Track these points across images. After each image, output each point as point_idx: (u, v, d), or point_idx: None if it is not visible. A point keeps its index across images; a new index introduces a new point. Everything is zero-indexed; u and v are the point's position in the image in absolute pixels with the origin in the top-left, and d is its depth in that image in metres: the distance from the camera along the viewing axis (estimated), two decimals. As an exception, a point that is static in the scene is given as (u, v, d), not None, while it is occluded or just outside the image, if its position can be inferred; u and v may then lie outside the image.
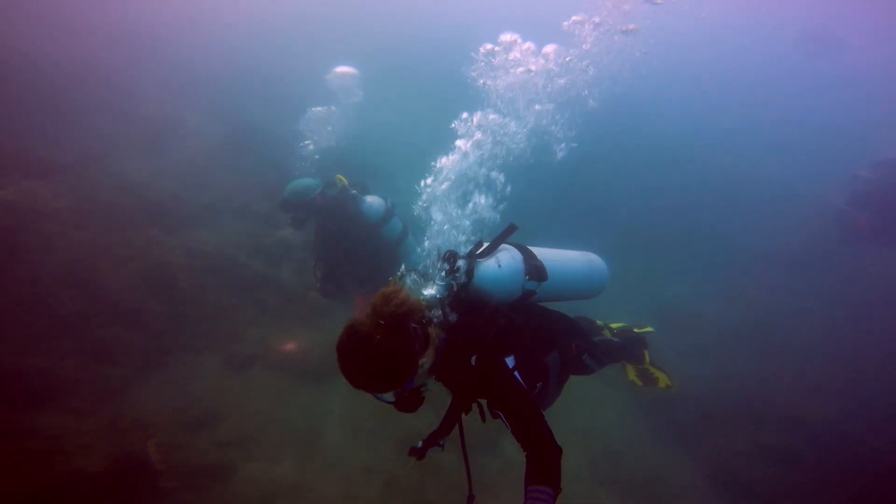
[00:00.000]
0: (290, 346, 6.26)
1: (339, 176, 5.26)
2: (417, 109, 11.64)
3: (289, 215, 5.24)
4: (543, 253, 2.74)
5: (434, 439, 2.30)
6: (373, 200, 5.15)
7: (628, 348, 3.69)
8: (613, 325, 3.97)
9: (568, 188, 10.79)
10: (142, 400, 5.10)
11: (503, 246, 2.56)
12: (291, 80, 12.73)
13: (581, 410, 6.91)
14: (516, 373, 2.13)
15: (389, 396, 1.97)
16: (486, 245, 2.52)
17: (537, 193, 10.56)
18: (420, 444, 2.28)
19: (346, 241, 4.96)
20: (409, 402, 2.05)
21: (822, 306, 8.98)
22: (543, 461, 1.89)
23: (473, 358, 2.08)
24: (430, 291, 2.23)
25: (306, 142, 9.15)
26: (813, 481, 6.12)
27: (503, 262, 2.43)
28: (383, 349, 1.83)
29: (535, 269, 2.56)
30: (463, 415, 2.30)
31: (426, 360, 1.98)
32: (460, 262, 2.31)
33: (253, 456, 5.08)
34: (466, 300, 2.29)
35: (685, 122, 13.86)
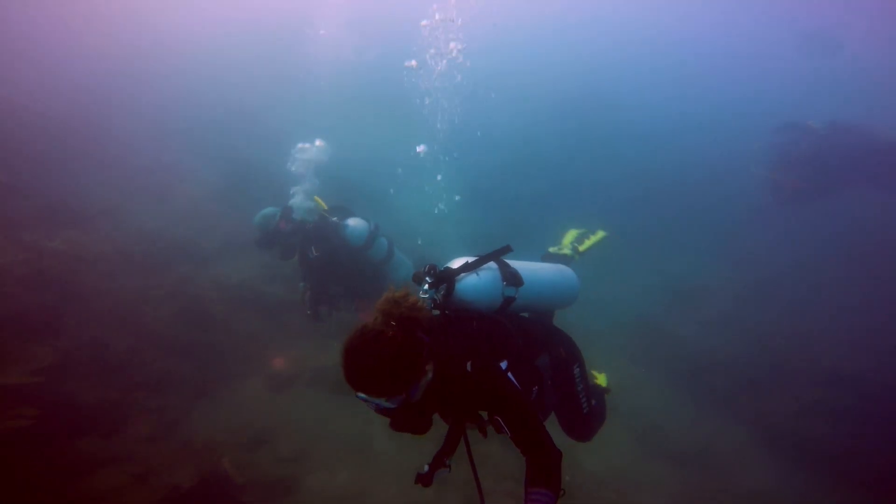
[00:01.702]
0: (279, 361, 6.47)
1: (315, 198, 5.20)
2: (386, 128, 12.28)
3: (269, 248, 5.20)
4: (515, 264, 2.77)
5: (440, 460, 2.13)
6: (356, 223, 4.98)
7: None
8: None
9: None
10: (202, 425, 5.40)
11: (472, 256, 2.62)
12: (272, 115, 13.30)
13: (617, 389, 7.47)
14: (511, 376, 2.18)
15: (391, 403, 1.86)
16: (469, 260, 2.53)
17: (529, 188, 11.43)
18: (426, 468, 2.11)
19: (332, 266, 4.90)
20: (414, 417, 1.95)
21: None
22: (543, 464, 1.90)
23: (469, 364, 2.05)
24: None
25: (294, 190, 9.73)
26: (860, 436, 6.71)
27: (480, 272, 2.47)
28: (394, 347, 1.80)
29: (510, 275, 2.59)
30: (468, 430, 2.22)
31: (430, 369, 1.94)
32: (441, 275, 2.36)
33: (311, 468, 5.40)
34: (450, 312, 2.32)
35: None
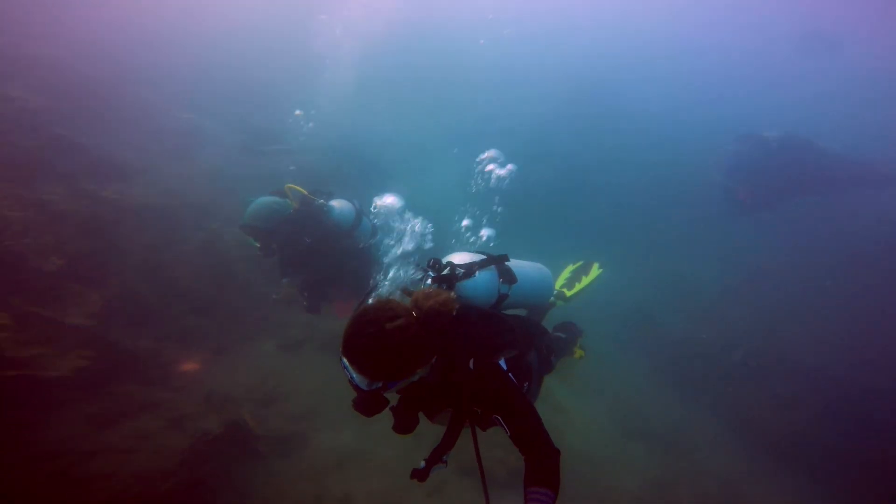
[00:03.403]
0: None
1: (291, 186, 4.73)
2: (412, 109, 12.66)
3: (263, 244, 4.69)
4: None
5: (436, 456, 2.17)
6: (341, 205, 4.78)
7: (570, 342, 3.78)
8: (567, 292, 4.17)
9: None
10: (222, 380, 5.86)
11: (471, 253, 2.67)
12: (284, 82, 13.58)
13: (604, 373, 8.08)
14: (510, 374, 2.20)
15: (363, 383, 1.85)
16: (469, 258, 2.59)
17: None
18: (423, 463, 2.14)
19: (326, 252, 4.70)
20: (373, 403, 1.97)
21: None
22: (543, 463, 1.89)
23: (471, 362, 2.05)
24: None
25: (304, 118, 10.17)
26: (837, 431, 7.44)
27: (478, 272, 2.50)
28: (400, 339, 1.80)
29: (505, 272, 2.65)
30: (470, 428, 2.20)
31: (423, 371, 1.95)
32: (445, 271, 2.38)
33: (319, 426, 5.87)
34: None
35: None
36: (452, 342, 2.04)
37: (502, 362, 2.21)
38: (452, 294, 2.11)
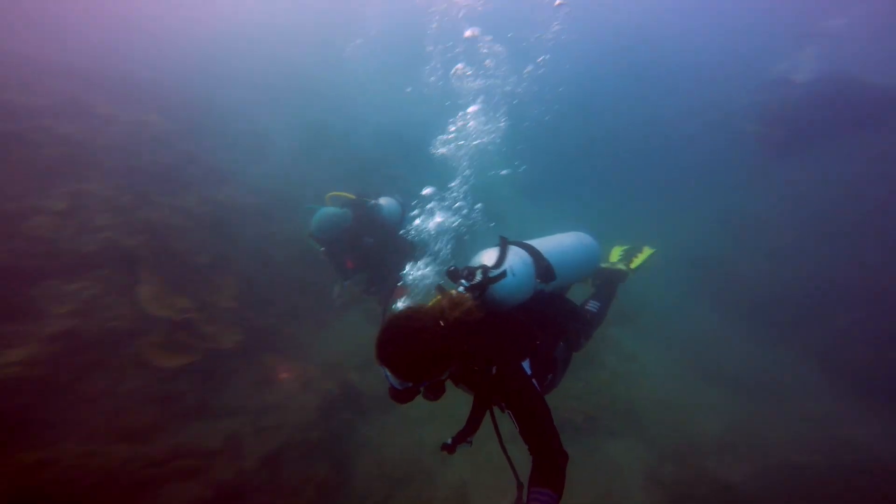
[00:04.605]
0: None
1: (334, 194, 5.22)
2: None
3: (329, 251, 5.06)
4: (545, 246, 2.82)
5: (461, 438, 2.33)
6: (387, 202, 5.15)
7: (606, 306, 3.68)
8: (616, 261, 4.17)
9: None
10: (326, 349, 6.92)
11: (508, 247, 2.65)
12: (333, 76, 14.45)
13: (677, 317, 8.38)
14: (530, 373, 2.28)
15: (395, 382, 2.03)
16: (488, 253, 2.60)
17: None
18: (450, 440, 2.34)
19: (385, 249, 5.02)
20: (405, 395, 2.12)
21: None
22: (549, 464, 1.95)
23: (494, 368, 2.16)
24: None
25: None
26: None
27: (516, 270, 2.49)
28: (426, 347, 1.94)
29: (544, 271, 2.67)
30: (491, 412, 2.36)
31: (448, 372, 2.09)
32: (478, 275, 2.41)
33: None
34: (485, 306, 2.35)
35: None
36: (476, 348, 2.17)
37: (526, 363, 2.30)
38: (477, 303, 2.21)
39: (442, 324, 2.01)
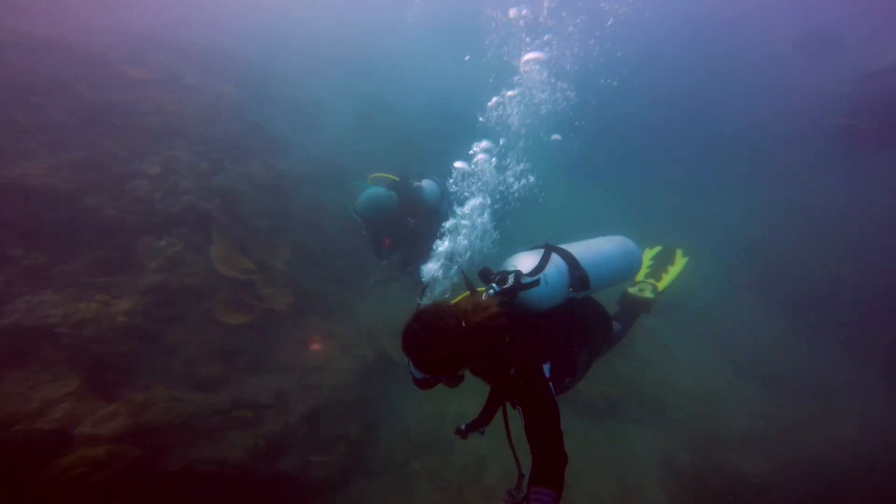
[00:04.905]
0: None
1: (376, 175, 5.41)
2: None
3: (370, 230, 5.24)
4: (585, 254, 2.80)
5: (474, 427, 2.47)
6: (428, 184, 5.31)
7: (626, 329, 3.66)
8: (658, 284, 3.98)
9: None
10: (366, 315, 7.42)
11: (546, 252, 2.67)
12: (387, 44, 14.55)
13: (721, 310, 8.31)
14: (548, 375, 2.31)
15: (416, 372, 2.18)
16: (526, 258, 2.64)
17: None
18: (463, 426, 2.48)
19: (425, 230, 5.10)
20: (425, 384, 2.24)
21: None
22: (550, 465, 2.00)
23: (512, 369, 2.23)
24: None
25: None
26: None
27: (549, 279, 2.52)
28: (445, 345, 2.03)
29: (578, 282, 2.68)
30: (504, 406, 2.48)
31: (464, 370, 2.22)
32: (510, 279, 2.43)
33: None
34: (511, 310, 2.38)
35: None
36: (497, 351, 2.25)
37: (547, 366, 2.34)
38: (503, 309, 2.22)
39: (464, 324, 2.07)
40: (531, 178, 5.17)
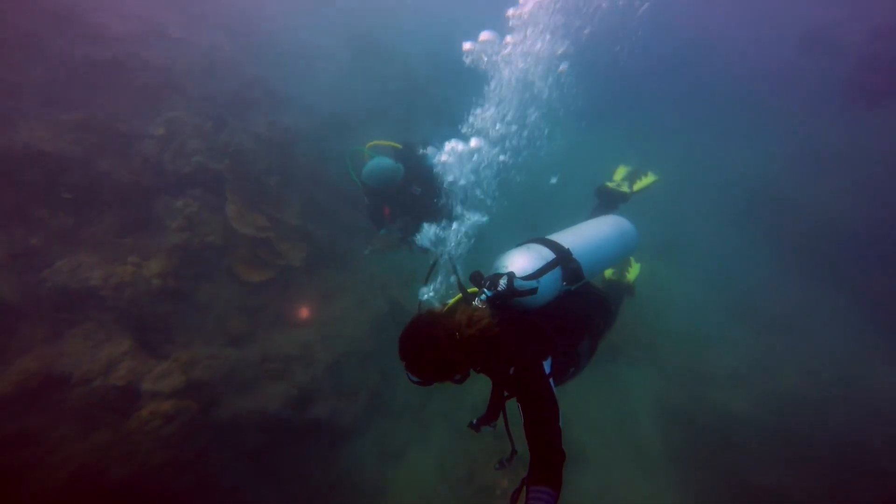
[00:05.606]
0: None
1: (375, 143, 5.25)
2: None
3: (373, 200, 5.11)
4: (578, 242, 2.80)
5: (485, 422, 2.48)
6: (432, 151, 5.13)
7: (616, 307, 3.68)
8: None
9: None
10: (377, 266, 7.58)
11: (537, 248, 2.65)
12: None
13: (722, 252, 8.63)
14: (548, 370, 2.31)
15: (411, 376, 2.22)
16: (517, 257, 2.59)
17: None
18: (475, 421, 2.49)
19: (430, 198, 4.97)
20: (425, 385, 2.27)
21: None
22: (548, 463, 2.02)
23: (511, 369, 2.26)
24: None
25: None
26: None
27: (542, 279, 2.50)
28: (438, 355, 2.08)
29: (572, 275, 2.67)
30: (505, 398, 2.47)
31: (458, 377, 2.25)
32: (502, 283, 2.40)
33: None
34: (505, 309, 2.41)
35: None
36: (493, 356, 2.28)
37: (548, 364, 2.33)
38: (495, 320, 2.25)
39: (458, 336, 2.12)
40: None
